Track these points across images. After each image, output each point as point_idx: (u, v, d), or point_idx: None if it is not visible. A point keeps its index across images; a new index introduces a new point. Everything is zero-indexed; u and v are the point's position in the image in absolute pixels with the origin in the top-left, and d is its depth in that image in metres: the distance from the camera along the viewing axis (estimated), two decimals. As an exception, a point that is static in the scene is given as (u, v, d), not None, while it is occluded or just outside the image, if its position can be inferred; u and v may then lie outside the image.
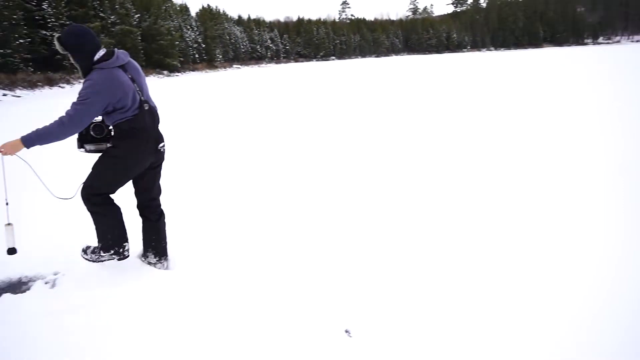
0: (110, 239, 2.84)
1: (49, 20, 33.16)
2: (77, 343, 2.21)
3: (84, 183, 2.76)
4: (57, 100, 21.25)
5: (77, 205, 2.99)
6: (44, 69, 32.40)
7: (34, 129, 2.48)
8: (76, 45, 2.57)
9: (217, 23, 69.52)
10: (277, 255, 3.22)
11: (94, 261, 2.94)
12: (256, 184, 5.15)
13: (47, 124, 2.48)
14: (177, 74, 50.57)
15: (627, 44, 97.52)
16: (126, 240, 2.92)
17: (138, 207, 3.03)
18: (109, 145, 2.70)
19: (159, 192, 3.09)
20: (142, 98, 2.72)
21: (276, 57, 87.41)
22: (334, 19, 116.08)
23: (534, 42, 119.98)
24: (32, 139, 2.47)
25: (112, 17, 41.53)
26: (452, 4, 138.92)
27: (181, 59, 53.24)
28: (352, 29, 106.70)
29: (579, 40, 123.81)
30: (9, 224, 2.67)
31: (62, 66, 34.09)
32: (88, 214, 2.87)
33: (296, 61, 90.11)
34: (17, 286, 2.91)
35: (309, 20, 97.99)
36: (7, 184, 2.69)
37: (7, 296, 2.70)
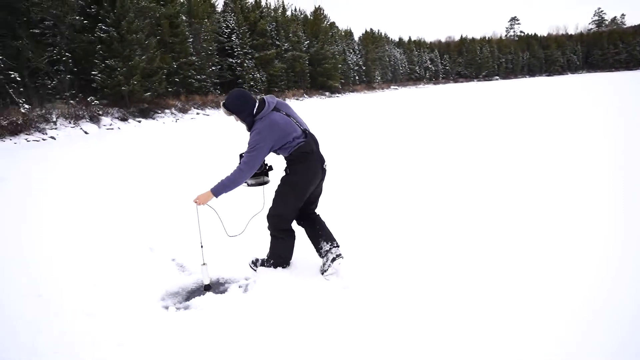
0: (282, 258, 3.45)
1: (235, 49, 37.50)
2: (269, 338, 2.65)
3: (270, 213, 3.29)
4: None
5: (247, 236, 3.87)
6: (227, 92, 36.69)
7: (219, 181, 3.02)
8: (239, 108, 3.02)
9: (378, 46, 70.99)
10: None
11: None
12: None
13: (228, 174, 3.02)
14: (337, 95, 52.75)
15: None
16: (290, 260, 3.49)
17: (298, 219, 3.43)
18: (266, 178, 3.25)
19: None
20: (302, 127, 3.11)
21: (435, 77, 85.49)
22: (500, 37, 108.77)
23: None
24: (219, 189, 3.01)
25: (286, 44, 45.16)
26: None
27: (342, 80, 55.36)
28: (520, 46, 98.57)
29: None
30: (204, 264, 3.31)
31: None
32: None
33: (455, 81, 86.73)
34: (217, 286, 3.46)
35: (472, 39, 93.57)
36: (200, 229, 3.39)
37: (210, 294, 3.28)
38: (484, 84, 66.70)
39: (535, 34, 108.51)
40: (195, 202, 3.04)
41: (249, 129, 3.04)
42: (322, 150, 3.29)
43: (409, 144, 10.31)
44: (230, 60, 38.25)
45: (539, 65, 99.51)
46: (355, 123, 16.83)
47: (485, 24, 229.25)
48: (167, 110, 25.98)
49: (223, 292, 3.34)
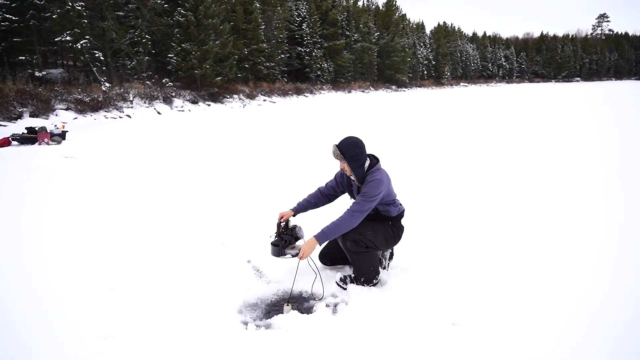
0: (373, 270, 3.13)
1: (304, 38, 37.33)
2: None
3: (362, 236, 3.05)
4: (301, 104, 23.57)
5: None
6: (294, 80, 36.73)
7: (323, 228, 2.93)
8: (356, 156, 2.96)
9: (450, 40, 68.29)
10: None
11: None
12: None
13: (335, 220, 2.94)
14: (404, 89, 51.31)
15: None
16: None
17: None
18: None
19: None
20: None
21: (508, 76, 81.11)
22: (586, 35, 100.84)
23: None
24: (325, 236, 2.93)
25: (355, 35, 44.39)
26: None
27: (410, 75, 53.76)
28: (607, 45, 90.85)
29: None
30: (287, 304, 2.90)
31: (309, 78, 38.04)
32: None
33: (531, 81, 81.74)
34: (299, 301, 3.09)
35: (554, 36, 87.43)
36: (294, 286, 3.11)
37: (294, 313, 2.83)
38: (563, 85, 62.23)
39: (626, 32, 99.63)
40: (301, 257, 2.90)
41: (360, 180, 3.01)
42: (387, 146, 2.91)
43: (470, 145, 9.44)
44: (300, 48, 38.16)
45: (628, 67, 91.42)
46: (419, 120, 15.94)
47: (569, 20, 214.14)
48: (235, 96, 26.29)
49: (309, 310, 2.91)
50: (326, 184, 3.38)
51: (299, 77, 38.40)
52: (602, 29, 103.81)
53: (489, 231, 4.20)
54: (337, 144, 2.99)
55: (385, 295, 2.98)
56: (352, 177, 3.11)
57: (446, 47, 65.40)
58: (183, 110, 20.73)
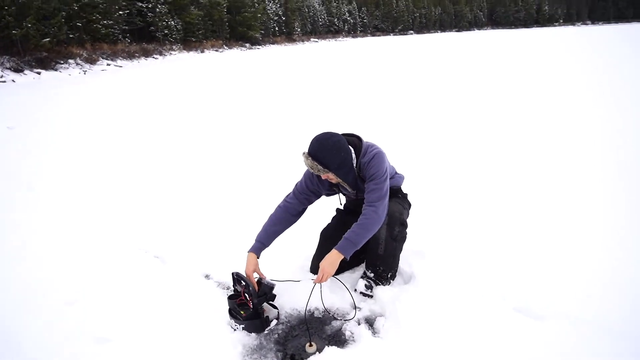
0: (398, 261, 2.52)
1: (144, -9, 33.07)
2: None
3: (402, 215, 2.45)
4: (153, 68, 20.96)
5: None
6: (139, 40, 32.62)
7: (347, 236, 2.21)
8: (342, 162, 2.22)
9: (297, -5, 67.73)
10: None
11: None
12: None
13: (358, 224, 2.22)
14: (258, 46, 49.77)
15: None
16: None
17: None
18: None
19: None
20: None
21: (353, 30, 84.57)
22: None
23: None
24: (352, 245, 2.19)
25: (202, -12, 40.94)
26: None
27: (262, 31, 52.23)
28: (433, 1, 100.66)
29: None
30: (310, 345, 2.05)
31: (155, 38, 34.20)
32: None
33: (373, 35, 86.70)
34: (317, 324, 2.29)
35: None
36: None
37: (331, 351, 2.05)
38: (401, 38, 67.33)
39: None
40: (321, 281, 2.19)
41: (352, 184, 2.35)
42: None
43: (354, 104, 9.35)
44: (140, 4, 33.72)
45: (449, 20, 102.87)
46: (290, 79, 15.39)
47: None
48: (70, 61, 22.09)
49: (340, 340, 2.14)
50: (289, 198, 2.45)
51: (144, 37, 34.14)
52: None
53: (489, 205, 3.69)
54: (308, 153, 2.18)
55: (420, 292, 2.36)
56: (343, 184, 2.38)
57: (294, 2, 64.89)
58: (5, 81, 16.67)
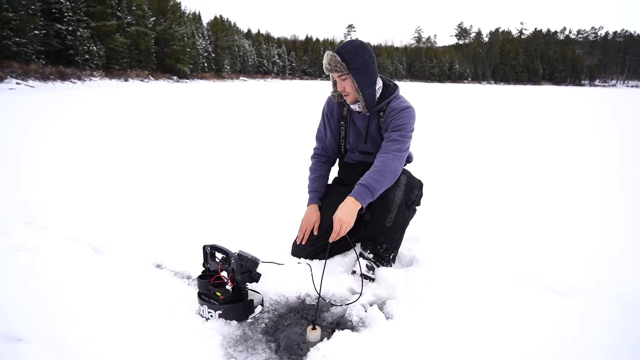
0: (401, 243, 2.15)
1: (65, 14, 31.26)
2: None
3: (414, 177, 2.12)
4: (70, 92, 19.34)
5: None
6: (55, 63, 30.42)
7: (363, 182, 1.86)
8: (364, 64, 1.96)
9: (227, 34, 68.32)
10: None
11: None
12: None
13: (374, 170, 1.89)
14: (186, 80, 48.71)
15: (622, 88, 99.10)
16: None
17: None
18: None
19: None
20: None
21: (282, 73, 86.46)
22: (341, 40, 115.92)
23: (533, 79, 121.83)
24: (370, 192, 1.85)
25: (129, 17, 39.69)
26: (456, 36, 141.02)
27: (191, 66, 51.44)
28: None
29: (575, 81, 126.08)
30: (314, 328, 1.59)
31: (74, 62, 32.17)
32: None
33: (301, 79, 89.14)
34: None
35: (317, 40, 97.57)
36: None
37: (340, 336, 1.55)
38: (327, 83, 69.84)
39: (369, 42, 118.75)
40: (337, 237, 1.80)
41: (370, 107, 2.04)
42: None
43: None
44: (59, 26, 31.72)
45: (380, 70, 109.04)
46: (220, 113, 15.03)
47: (326, 27, 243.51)
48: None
49: (347, 325, 1.71)
50: (319, 148, 2.37)
51: (61, 60, 31.92)
52: (351, 36, 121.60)
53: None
54: (334, 50, 1.96)
55: (429, 273, 2.01)
56: (355, 106, 2.09)
57: (224, 40, 65.19)
58: None
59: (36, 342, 1.50)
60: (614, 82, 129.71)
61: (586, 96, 31.18)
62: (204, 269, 1.82)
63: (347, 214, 1.77)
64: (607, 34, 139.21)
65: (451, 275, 1.96)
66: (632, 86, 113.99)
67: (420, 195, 2.15)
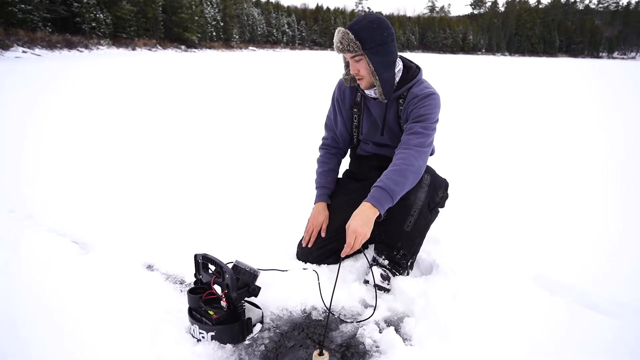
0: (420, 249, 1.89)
1: (71, -21, 30.56)
2: None
3: (439, 176, 1.87)
4: (79, 63, 19.00)
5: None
6: (62, 31, 29.94)
7: (380, 184, 1.60)
8: (382, 42, 1.68)
9: (236, 2, 66.72)
10: None
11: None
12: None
13: (394, 169, 1.64)
14: (194, 50, 47.92)
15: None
16: None
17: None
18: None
19: None
20: None
21: (291, 42, 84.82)
22: (352, 10, 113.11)
23: (549, 50, 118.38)
24: (385, 198, 1.59)
25: (135, -17, 38.77)
26: (470, 5, 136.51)
27: (199, 35, 50.52)
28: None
29: (593, 53, 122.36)
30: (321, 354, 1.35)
31: (81, 30, 31.67)
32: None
33: (311, 49, 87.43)
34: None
35: (327, 9, 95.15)
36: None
37: None
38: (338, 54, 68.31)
39: (380, 12, 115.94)
40: (351, 249, 1.55)
41: (387, 91, 1.75)
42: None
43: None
44: (65, -8, 31.08)
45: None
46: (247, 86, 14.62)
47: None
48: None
49: (359, 350, 1.47)
50: (329, 138, 2.12)
51: (67, 28, 31.42)
52: (362, 6, 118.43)
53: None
54: (347, 27, 1.69)
55: (452, 283, 1.76)
56: (371, 91, 1.80)
57: (233, 9, 63.78)
58: None
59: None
60: (633, 54, 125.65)
61: (606, 69, 30.09)
62: (195, 279, 1.59)
63: (362, 223, 1.52)
64: (629, 3, 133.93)
65: (479, 288, 1.72)
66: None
67: (446, 197, 1.90)
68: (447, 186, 1.89)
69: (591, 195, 3.17)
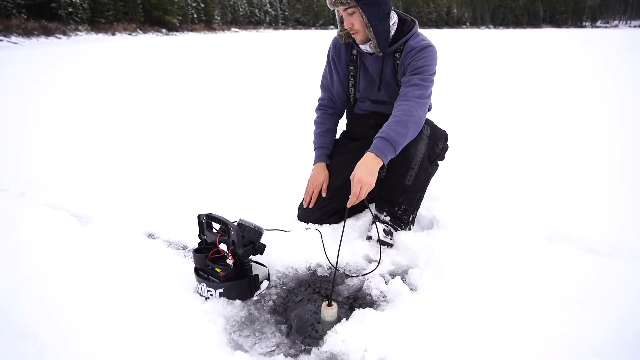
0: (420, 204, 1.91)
1: (44, -38, 29.50)
2: None
3: (439, 128, 1.88)
4: (57, 49, 18.48)
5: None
6: (38, 17, 29.04)
7: (383, 135, 1.59)
8: None
9: (216, -18, 65.14)
10: None
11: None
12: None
13: (395, 120, 1.62)
14: (175, 33, 46.86)
15: (625, 28, 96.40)
16: None
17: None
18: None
19: None
20: None
21: (274, 22, 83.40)
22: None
23: (533, 21, 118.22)
24: (388, 148, 1.58)
25: (111, -35, 37.55)
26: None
27: (180, 17, 49.39)
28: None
29: (577, 23, 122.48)
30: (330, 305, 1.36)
31: (57, 15, 30.75)
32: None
33: (294, 28, 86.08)
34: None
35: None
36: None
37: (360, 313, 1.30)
38: (322, 32, 67.47)
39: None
40: (357, 199, 1.52)
41: (384, 46, 1.75)
42: None
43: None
44: (38, -24, 30.02)
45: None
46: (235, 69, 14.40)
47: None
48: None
49: (366, 301, 1.51)
50: (325, 98, 2.08)
51: (43, 14, 30.45)
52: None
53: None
54: None
55: (454, 236, 1.77)
56: (366, 46, 1.79)
57: (214, -12, 62.34)
58: None
59: (9, 333, 1.29)
60: (616, 22, 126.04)
61: (589, 39, 30.14)
62: (200, 240, 1.59)
63: (367, 173, 1.51)
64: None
65: (480, 239, 1.74)
66: (635, 26, 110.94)
67: (446, 148, 1.90)
68: (447, 137, 1.90)
69: (584, 147, 3.20)
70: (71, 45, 22.04)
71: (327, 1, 1.70)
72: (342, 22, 1.81)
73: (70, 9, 31.56)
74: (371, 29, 1.69)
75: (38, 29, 26.20)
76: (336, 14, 1.80)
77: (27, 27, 25.13)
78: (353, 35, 1.77)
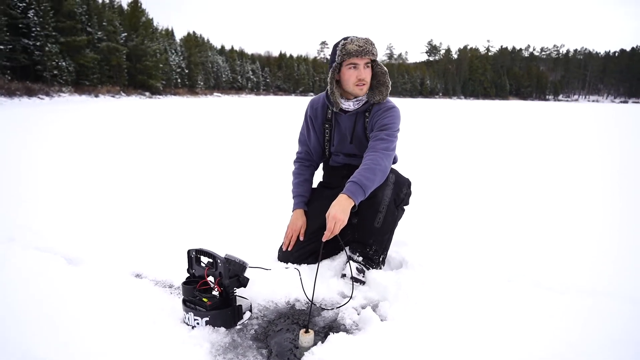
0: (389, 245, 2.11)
1: (33, 29, 30.53)
2: None
3: (402, 176, 2.11)
4: (38, 108, 18.71)
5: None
6: (22, 79, 29.56)
7: (354, 180, 1.81)
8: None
9: (201, 50, 68.09)
10: None
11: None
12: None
13: (365, 168, 1.85)
14: (159, 96, 48.04)
15: (584, 102, 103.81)
16: None
17: None
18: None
19: None
20: None
21: (256, 88, 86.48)
22: (315, 57, 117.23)
23: (500, 94, 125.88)
24: (359, 191, 1.78)
25: (99, 33, 39.11)
26: (426, 52, 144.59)
27: (163, 82, 50.89)
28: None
29: (541, 96, 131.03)
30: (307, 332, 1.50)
31: (42, 77, 31.36)
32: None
33: (275, 94, 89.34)
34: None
35: (290, 56, 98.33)
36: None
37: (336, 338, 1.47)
38: (302, 98, 70.16)
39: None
40: (331, 234, 1.72)
41: (385, 94, 2.06)
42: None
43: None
44: (26, 41, 30.92)
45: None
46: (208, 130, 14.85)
47: (299, 44, 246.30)
48: None
49: (340, 329, 1.63)
50: (303, 152, 2.32)
51: (27, 76, 31.04)
52: (324, 54, 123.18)
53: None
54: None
55: (420, 275, 1.97)
56: (350, 103, 2.05)
57: (198, 57, 64.92)
58: None
59: None
60: (576, 96, 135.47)
61: (553, 110, 32.29)
62: (188, 275, 1.73)
63: (341, 211, 1.72)
64: (568, 51, 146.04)
65: (443, 277, 1.93)
66: (592, 100, 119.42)
67: (409, 194, 2.13)
68: (410, 184, 2.13)
69: (539, 193, 3.50)
70: (55, 105, 22.37)
71: (354, 50, 1.91)
72: (332, 82, 2.02)
73: (55, 72, 32.25)
74: (379, 84, 2.04)
75: (21, 89, 26.60)
76: (330, 73, 2.00)
77: (10, 88, 25.50)
78: (362, 87, 1.99)
